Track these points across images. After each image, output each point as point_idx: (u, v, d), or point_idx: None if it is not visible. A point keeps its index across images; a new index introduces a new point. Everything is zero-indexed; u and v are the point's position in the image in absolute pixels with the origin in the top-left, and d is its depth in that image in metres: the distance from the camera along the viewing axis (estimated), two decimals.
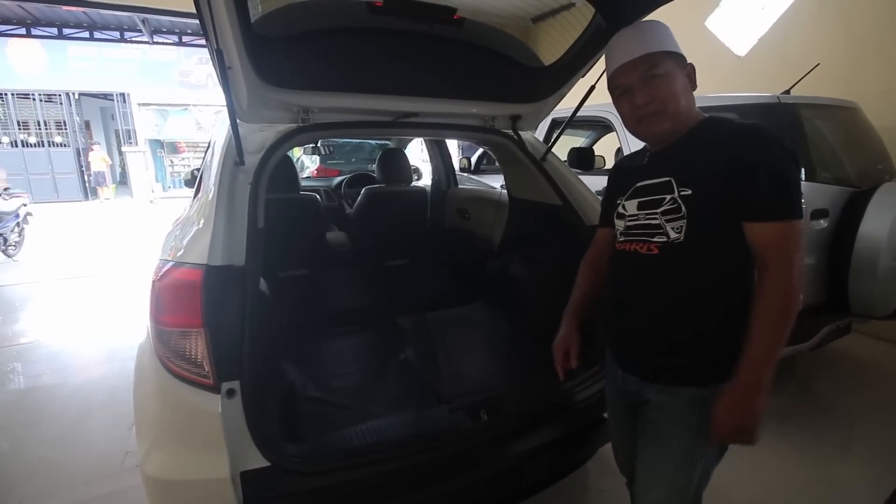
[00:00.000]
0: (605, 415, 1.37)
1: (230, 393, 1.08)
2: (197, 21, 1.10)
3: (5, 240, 5.88)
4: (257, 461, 1.09)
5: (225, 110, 1.31)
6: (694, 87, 1.00)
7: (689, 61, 1.01)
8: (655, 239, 0.98)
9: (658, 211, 0.97)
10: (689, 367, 0.98)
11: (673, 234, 0.95)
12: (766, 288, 0.88)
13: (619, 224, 1.08)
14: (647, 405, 1.05)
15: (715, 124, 0.98)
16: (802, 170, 2.32)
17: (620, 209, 1.08)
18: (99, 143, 14.88)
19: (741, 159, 0.88)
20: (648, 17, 1.08)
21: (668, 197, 0.96)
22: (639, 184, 1.04)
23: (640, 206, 1.02)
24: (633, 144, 3.07)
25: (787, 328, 0.86)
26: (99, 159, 13.66)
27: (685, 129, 0.98)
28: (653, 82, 0.96)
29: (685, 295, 0.96)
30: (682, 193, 0.94)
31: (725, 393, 0.90)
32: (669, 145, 1.01)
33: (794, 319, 0.86)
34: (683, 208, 0.94)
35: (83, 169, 13.90)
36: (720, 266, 0.94)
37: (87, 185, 13.97)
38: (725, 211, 0.90)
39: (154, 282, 1.13)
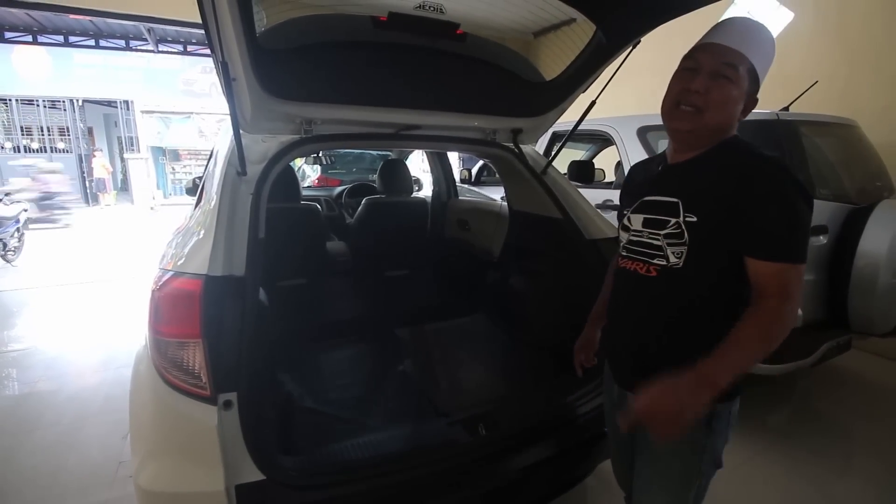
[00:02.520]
0: (606, 429, 1.36)
1: (227, 405, 1.07)
2: (202, 31, 1.11)
3: (5, 245, 5.87)
4: (252, 474, 1.08)
5: (228, 119, 1.31)
6: (742, 116, 0.95)
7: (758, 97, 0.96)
8: (655, 261, 0.97)
9: (661, 233, 0.95)
10: None
11: (673, 259, 0.94)
12: (759, 312, 0.85)
13: (623, 236, 1.07)
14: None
15: (735, 148, 0.94)
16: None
17: (626, 221, 1.06)
18: (101, 150, 14.89)
19: (749, 192, 0.85)
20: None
21: (673, 220, 0.93)
22: (647, 198, 1.01)
23: (645, 224, 1.00)
24: (633, 158, 3.09)
25: (756, 355, 0.83)
26: (100, 166, 13.71)
27: (706, 146, 0.95)
28: (718, 81, 0.90)
29: (680, 320, 0.95)
30: (687, 219, 0.91)
31: (664, 378, 0.83)
32: (685, 161, 0.98)
33: (769, 351, 0.83)
34: (686, 235, 0.91)
35: (85, 175, 13.96)
36: (717, 294, 0.92)
37: (87, 190, 14.03)
38: (727, 243, 0.88)
39: (153, 291, 1.13)
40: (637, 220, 1.02)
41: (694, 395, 0.79)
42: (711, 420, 0.96)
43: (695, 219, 0.90)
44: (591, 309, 1.33)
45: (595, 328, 1.31)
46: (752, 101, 0.95)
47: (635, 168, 1.21)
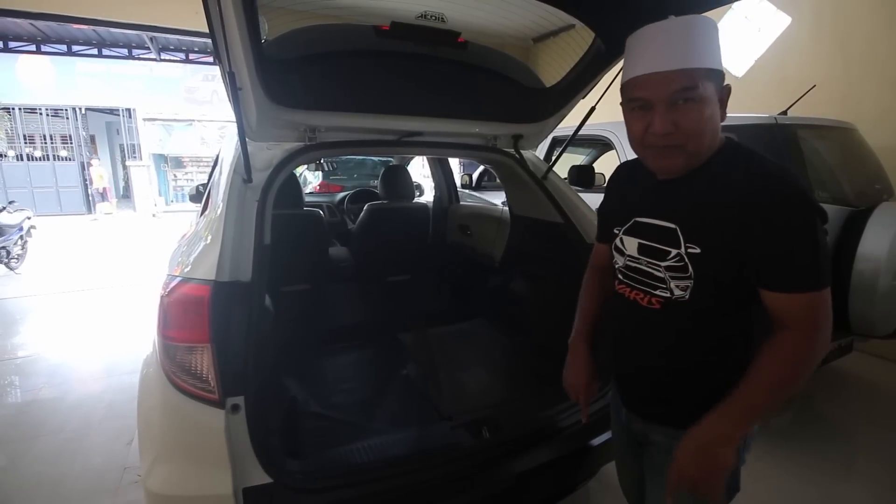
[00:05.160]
0: (606, 436, 1.37)
1: (234, 408, 1.08)
2: (203, 39, 1.13)
3: (8, 252, 5.89)
4: (259, 477, 1.09)
5: (230, 126, 1.34)
6: (723, 116, 0.83)
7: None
8: (657, 293, 0.89)
9: (662, 265, 0.87)
10: (696, 414, 0.90)
11: (677, 293, 0.85)
12: (781, 345, 0.77)
13: (619, 259, 0.98)
14: (653, 447, 1.01)
15: (734, 158, 0.83)
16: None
17: (619, 243, 0.97)
18: (98, 159, 14.53)
19: (760, 217, 0.75)
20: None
21: (674, 252, 0.84)
22: (639, 219, 0.93)
23: (641, 250, 0.91)
24: None
25: (785, 394, 0.76)
26: (97, 176, 13.43)
27: (700, 162, 0.84)
28: (681, 108, 0.78)
29: (689, 349, 0.89)
30: (689, 251, 0.82)
31: (690, 437, 0.80)
32: (679, 178, 0.86)
33: (796, 389, 0.77)
34: (690, 268, 0.83)
35: (87, 183, 14.02)
36: (726, 325, 0.85)
37: (90, 198, 14.09)
38: (738, 274, 0.79)
39: (162, 297, 1.14)
40: (632, 245, 0.93)
41: (718, 458, 0.77)
42: None
43: (698, 250, 0.82)
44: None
45: (586, 350, 1.12)
46: (726, 91, 0.83)
47: (622, 170, 1.09)
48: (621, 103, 0.89)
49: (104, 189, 13.47)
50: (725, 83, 0.82)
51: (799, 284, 0.76)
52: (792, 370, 0.76)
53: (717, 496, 0.78)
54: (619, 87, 1.55)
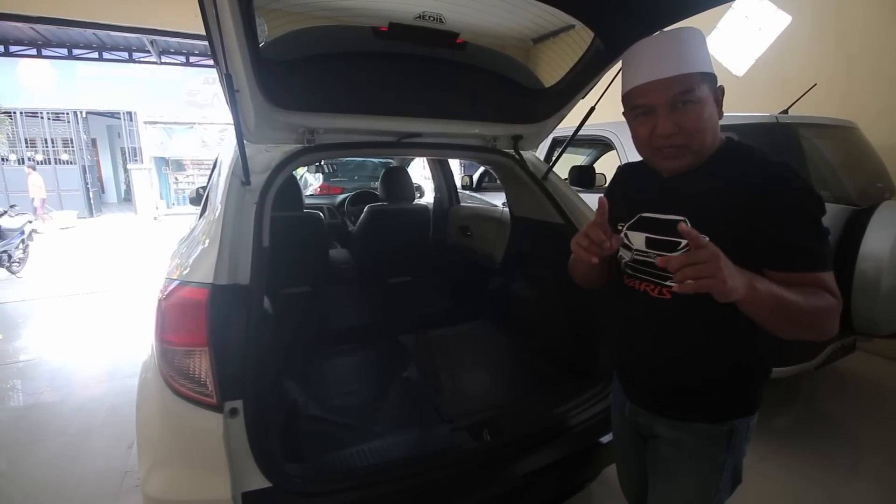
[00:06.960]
0: (608, 437, 1.36)
1: (233, 412, 1.08)
2: (203, 42, 1.13)
3: (10, 256, 5.91)
4: (259, 482, 1.09)
5: (230, 128, 1.33)
6: (720, 114, 0.89)
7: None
8: (668, 283, 0.91)
9: (672, 255, 0.89)
10: (704, 405, 0.95)
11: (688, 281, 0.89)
12: (809, 289, 0.77)
13: (625, 254, 1.00)
14: (658, 439, 1.02)
15: (736, 153, 0.89)
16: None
17: (624, 238, 0.99)
18: (33, 162, 12.62)
19: (763, 199, 0.81)
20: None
21: (684, 242, 0.85)
22: (646, 214, 0.96)
23: (650, 244, 0.94)
24: None
25: (786, 313, 0.75)
26: (34, 186, 11.44)
27: (704, 159, 0.89)
28: (682, 110, 0.84)
29: (699, 340, 0.92)
30: None
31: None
32: (684, 174, 0.91)
33: (795, 322, 0.76)
34: None
35: (88, 186, 14.06)
36: (735, 312, 0.83)
37: (90, 200, 14.12)
38: (747, 260, 0.79)
39: (160, 300, 1.14)
40: (638, 239, 0.96)
41: (734, 274, 0.71)
42: (731, 436, 0.94)
43: (707, 238, 0.83)
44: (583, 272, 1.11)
45: None
46: (720, 92, 0.89)
47: (623, 171, 1.12)
48: (623, 113, 0.95)
49: (37, 199, 11.46)
50: (718, 84, 0.89)
51: (802, 264, 0.80)
52: (811, 299, 0.76)
53: (686, 284, 0.72)
54: (618, 86, 1.55)
